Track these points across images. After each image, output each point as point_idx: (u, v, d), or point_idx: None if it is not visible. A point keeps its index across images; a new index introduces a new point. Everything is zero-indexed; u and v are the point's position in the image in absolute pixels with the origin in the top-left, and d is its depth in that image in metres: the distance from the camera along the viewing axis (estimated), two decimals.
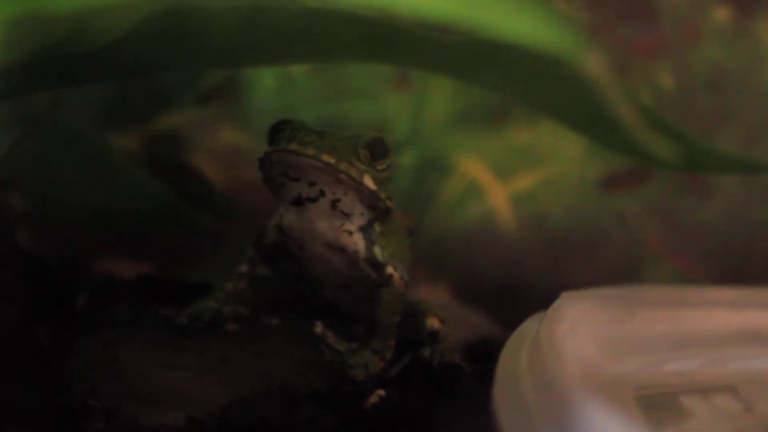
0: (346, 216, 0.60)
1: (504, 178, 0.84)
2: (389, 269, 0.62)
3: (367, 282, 0.62)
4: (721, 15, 0.82)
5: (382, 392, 0.57)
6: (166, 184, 0.80)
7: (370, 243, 0.61)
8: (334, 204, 0.59)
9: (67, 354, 0.61)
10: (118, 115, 0.84)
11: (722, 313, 0.64)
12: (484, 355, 0.66)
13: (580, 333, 0.57)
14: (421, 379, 0.60)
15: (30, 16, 0.46)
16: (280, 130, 0.59)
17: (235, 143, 0.84)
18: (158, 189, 0.78)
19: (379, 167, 0.60)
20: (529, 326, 0.59)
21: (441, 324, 0.64)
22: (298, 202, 0.60)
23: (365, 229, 0.61)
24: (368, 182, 0.59)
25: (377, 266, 0.61)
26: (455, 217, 0.84)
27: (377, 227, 0.61)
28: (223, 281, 0.65)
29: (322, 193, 0.59)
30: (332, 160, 0.57)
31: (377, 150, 0.59)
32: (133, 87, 0.83)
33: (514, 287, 0.84)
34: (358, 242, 0.61)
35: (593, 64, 0.39)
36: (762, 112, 0.82)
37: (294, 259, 0.63)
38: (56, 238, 0.85)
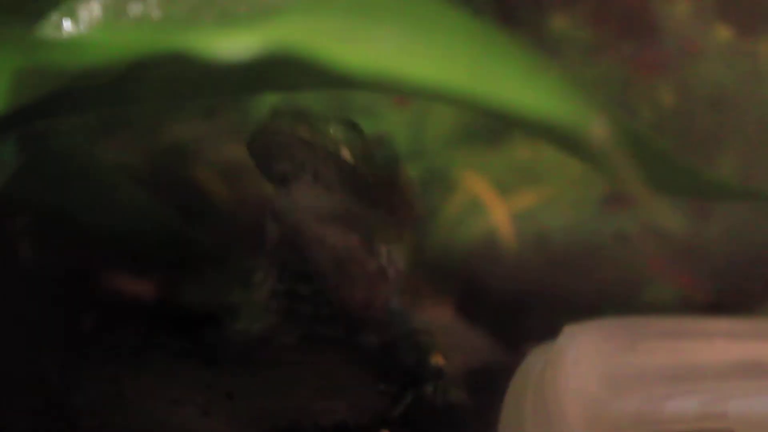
0: (329, 189, 0.60)
1: (505, 196, 0.84)
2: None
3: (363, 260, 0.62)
4: (723, 33, 0.82)
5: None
6: (169, 201, 0.80)
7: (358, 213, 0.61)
8: (316, 177, 0.60)
9: (72, 388, 0.61)
10: (120, 129, 0.84)
11: (722, 344, 0.64)
12: (487, 385, 0.66)
13: (583, 369, 0.57)
14: (425, 419, 0.60)
15: (39, 68, 0.46)
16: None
17: (239, 158, 0.84)
18: (159, 208, 0.78)
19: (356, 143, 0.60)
20: (532, 362, 0.60)
21: (445, 360, 0.64)
22: (283, 181, 0.61)
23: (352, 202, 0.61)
24: (345, 154, 0.59)
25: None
26: (457, 234, 0.85)
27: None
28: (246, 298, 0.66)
29: (303, 167, 0.60)
30: (306, 133, 0.58)
31: (352, 127, 0.60)
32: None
33: (516, 305, 0.84)
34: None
35: (598, 133, 0.39)
36: (763, 131, 0.82)
37: (298, 256, 0.63)
38: (59, 253, 0.85)
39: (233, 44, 0.36)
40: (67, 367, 0.65)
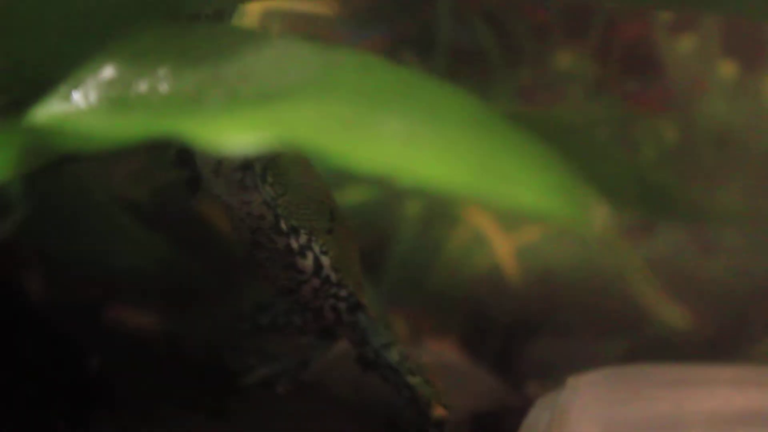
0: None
1: (509, 230, 0.85)
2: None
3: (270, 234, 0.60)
4: (727, 70, 0.82)
5: None
6: (171, 235, 0.81)
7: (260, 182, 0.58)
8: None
9: None
10: (122, 161, 0.84)
11: (724, 392, 0.64)
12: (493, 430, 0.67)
13: (587, 422, 0.58)
14: None
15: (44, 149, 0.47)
16: None
17: None
18: (162, 243, 0.79)
19: None
20: (537, 415, 0.60)
21: (447, 411, 0.64)
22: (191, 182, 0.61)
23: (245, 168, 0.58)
24: None
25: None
26: (461, 269, 0.85)
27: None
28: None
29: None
30: None
31: None
32: None
33: (521, 339, 0.85)
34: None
35: (600, 225, 0.40)
36: (766, 168, 0.83)
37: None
38: (65, 289, 0.85)
39: (241, 138, 0.37)
40: (74, 418, 0.65)
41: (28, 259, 0.78)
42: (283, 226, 0.59)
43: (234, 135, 0.37)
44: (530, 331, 0.85)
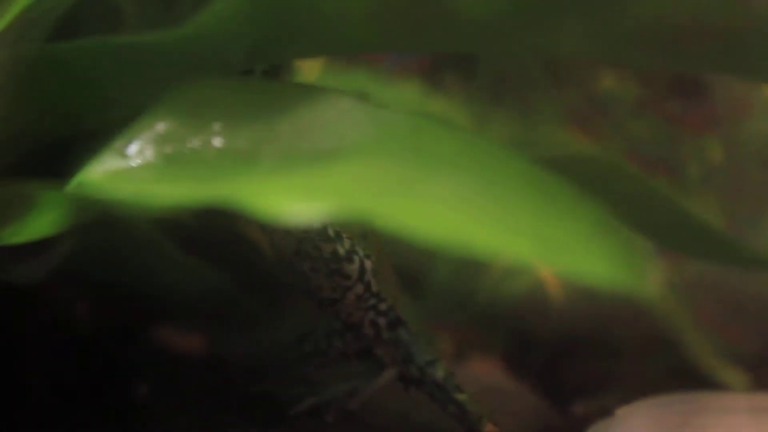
0: None
1: None
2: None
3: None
4: None
5: None
6: (218, 260, 0.81)
7: None
8: None
9: None
10: None
11: None
12: None
13: None
14: None
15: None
16: None
17: None
18: (209, 269, 0.80)
19: None
20: None
21: (498, 429, 0.63)
22: None
23: None
24: None
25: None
26: (505, 288, 0.85)
27: None
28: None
29: None
30: None
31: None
32: None
33: (564, 360, 0.85)
34: None
35: (650, 290, 0.40)
36: None
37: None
38: (109, 314, 0.86)
39: (296, 208, 0.37)
40: None
41: (74, 286, 0.79)
42: (330, 232, 0.60)
43: (290, 204, 0.37)
44: (574, 351, 0.85)
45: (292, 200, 0.38)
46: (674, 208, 0.64)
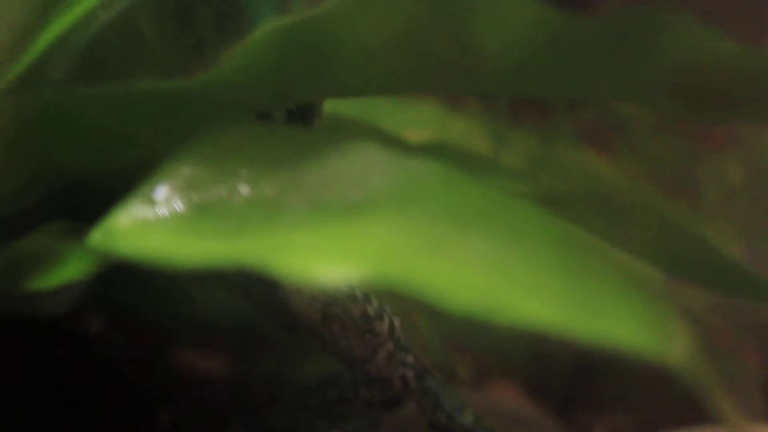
0: None
1: None
2: None
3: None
4: None
5: None
6: (246, 291, 0.81)
7: None
8: None
9: None
10: None
11: None
12: None
13: None
14: None
15: None
16: None
17: None
18: (236, 300, 0.79)
19: None
20: None
21: None
22: None
23: None
24: None
25: None
26: None
27: None
28: None
29: None
30: None
31: None
32: None
33: (585, 385, 0.85)
34: None
35: (678, 354, 0.39)
36: None
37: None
38: (132, 341, 0.86)
39: (323, 273, 0.37)
40: None
41: (97, 313, 0.79)
42: (358, 293, 0.60)
43: (319, 268, 0.37)
44: (595, 375, 0.85)
45: (321, 263, 0.37)
46: (688, 237, 0.63)
